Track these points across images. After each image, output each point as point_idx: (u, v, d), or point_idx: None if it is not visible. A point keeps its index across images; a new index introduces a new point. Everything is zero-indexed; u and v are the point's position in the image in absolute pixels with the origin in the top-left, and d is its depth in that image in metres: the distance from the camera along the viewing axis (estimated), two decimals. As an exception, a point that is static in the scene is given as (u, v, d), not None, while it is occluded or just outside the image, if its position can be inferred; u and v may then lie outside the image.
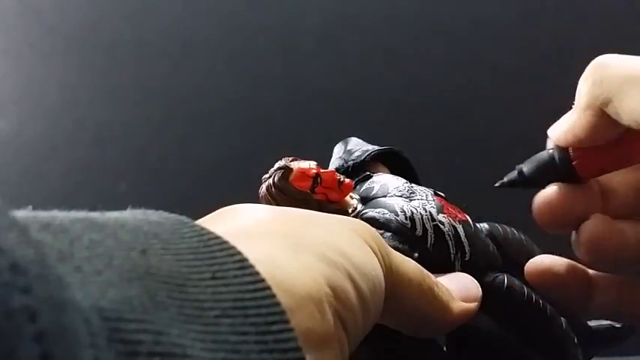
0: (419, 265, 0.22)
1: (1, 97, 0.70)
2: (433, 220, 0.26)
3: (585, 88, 0.24)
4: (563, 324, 0.27)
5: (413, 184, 0.28)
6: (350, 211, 0.27)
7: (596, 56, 0.24)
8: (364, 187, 0.28)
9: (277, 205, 0.25)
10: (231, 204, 0.20)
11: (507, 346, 0.26)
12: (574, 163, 0.25)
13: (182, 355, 0.12)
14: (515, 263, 0.28)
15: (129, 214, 0.17)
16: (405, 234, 0.25)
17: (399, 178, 0.28)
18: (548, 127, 0.26)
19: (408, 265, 0.22)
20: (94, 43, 0.70)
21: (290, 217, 0.20)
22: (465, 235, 0.26)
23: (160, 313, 0.13)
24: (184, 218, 0.17)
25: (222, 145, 0.69)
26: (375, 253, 0.20)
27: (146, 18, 0.70)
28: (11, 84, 0.70)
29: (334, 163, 0.30)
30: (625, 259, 0.25)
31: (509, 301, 0.26)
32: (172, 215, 0.17)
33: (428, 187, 0.28)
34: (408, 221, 0.26)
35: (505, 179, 0.27)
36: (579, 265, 0.26)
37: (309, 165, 0.26)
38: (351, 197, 0.27)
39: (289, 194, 0.25)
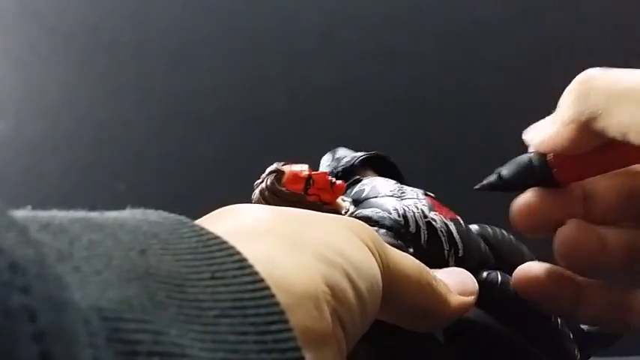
0: (416, 260, 0.23)
1: (1, 97, 0.70)
2: (425, 217, 0.27)
3: (569, 102, 0.23)
4: (558, 321, 0.27)
5: (403, 185, 0.29)
6: (343, 212, 0.27)
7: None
8: (355, 190, 0.29)
9: None
10: (230, 204, 0.20)
11: (504, 340, 0.26)
12: (553, 170, 0.25)
13: (181, 355, 0.12)
14: (506, 263, 0.28)
15: (128, 214, 0.17)
16: (399, 231, 0.26)
17: (389, 179, 0.29)
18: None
19: (406, 261, 0.22)
20: (94, 43, 0.70)
21: (288, 216, 0.20)
22: (457, 232, 0.27)
23: (159, 313, 0.13)
24: (183, 218, 0.17)
25: (222, 145, 0.69)
26: (372, 252, 0.20)
27: (146, 18, 0.70)
28: (11, 84, 0.70)
29: (324, 170, 0.30)
30: (606, 265, 0.24)
31: (503, 297, 0.26)
32: (172, 215, 0.17)
33: (418, 188, 0.29)
34: (401, 218, 0.26)
35: (485, 182, 0.26)
36: (567, 272, 0.26)
37: (301, 168, 0.26)
38: (343, 200, 0.28)
39: (282, 197, 0.26)
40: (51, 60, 0.70)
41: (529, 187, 0.26)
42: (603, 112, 0.22)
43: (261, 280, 0.15)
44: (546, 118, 0.25)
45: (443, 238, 0.26)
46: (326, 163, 0.31)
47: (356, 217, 0.27)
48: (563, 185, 0.25)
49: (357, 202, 0.28)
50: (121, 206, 0.17)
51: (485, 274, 0.27)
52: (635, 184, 0.25)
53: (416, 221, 0.26)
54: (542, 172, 0.25)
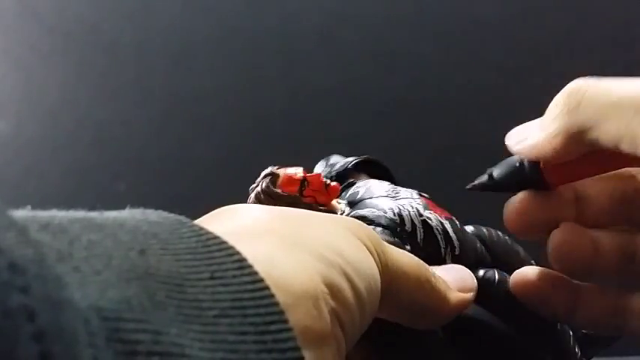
0: (415, 257, 0.23)
1: (1, 97, 0.70)
2: (420, 215, 0.27)
3: (558, 112, 0.23)
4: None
5: (397, 186, 0.29)
6: (338, 214, 0.27)
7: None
8: (350, 193, 0.29)
9: None
10: (230, 204, 0.20)
11: (504, 336, 0.26)
12: (543, 172, 0.25)
13: (180, 355, 0.13)
14: (502, 263, 0.28)
15: (128, 214, 0.17)
16: (395, 229, 0.26)
17: (383, 181, 0.29)
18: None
19: (404, 258, 0.22)
20: (94, 43, 0.70)
21: (287, 216, 0.20)
22: (453, 231, 0.27)
23: (158, 313, 0.13)
24: (183, 218, 0.17)
25: (222, 145, 0.69)
26: (370, 252, 0.20)
27: (146, 18, 0.70)
28: (11, 84, 0.70)
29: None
30: (599, 269, 0.24)
31: (501, 295, 0.26)
32: (171, 215, 0.17)
33: (414, 189, 0.29)
34: (397, 217, 0.26)
35: (476, 182, 0.26)
36: (564, 277, 0.26)
37: (295, 170, 0.27)
38: (338, 202, 0.28)
39: (278, 199, 0.26)
40: (51, 60, 0.70)
41: (520, 189, 0.26)
42: (595, 124, 0.22)
43: (261, 280, 0.15)
44: (531, 122, 0.25)
45: (439, 236, 0.27)
46: (319, 170, 0.32)
47: (352, 217, 0.27)
48: (554, 187, 0.25)
49: (352, 204, 0.28)
50: (121, 206, 0.17)
51: (482, 272, 0.27)
52: (628, 188, 0.25)
53: (411, 220, 0.27)
54: (533, 175, 0.25)
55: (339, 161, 0.31)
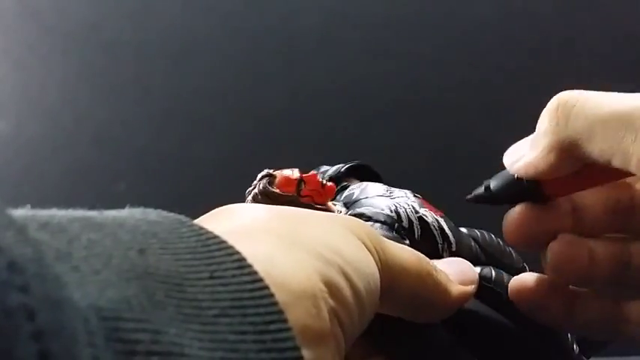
0: (415, 252, 0.23)
1: (1, 97, 0.70)
2: (417, 212, 0.27)
3: (548, 127, 0.23)
4: None
5: (391, 187, 0.29)
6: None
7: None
8: (345, 195, 0.29)
9: None
10: (230, 204, 0.20)
11: (505, 330, 0.26)
12: (541, 186, 0.24)
13: (180, 354, 0.12)
14: (497, 262, 0.29)
15: (127, 214, 0.17)
16: (393, 225, 0.26)
17: (377, 183, 0.30)
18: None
19: (404, 253, 0.22)
20: (94, 43, 0.70)
21: (285, 215, 0.20)
22: (448, 228, 0.28)
23: (158, 313, 0.13)
24: (183, 218, 0.17)
25: (222, 145, 0.69)
26: (369, 250, 0.20)
27: (146, 18, 0.70)
28: (11, 84, 0.70)
29: None
30: (594, 277, 0.24)
31: (499, 292, 0.26)
32: (171, 214, 0.17)
33: (414, 189, 0.30)
34: (394, 214, 0.27)
35: (473, 194, 0.26)
36: (559, 283, 0.26)
37: (291, 171, 0.27)
38: (334, 204, 0.28)
39: (276, 200, 0.26)
40: (50, 60, 0.70)
41: (518, 201, 0.26)
42: (585, 138, 0.21)
43: (260, 280, 0.15)
44: (524, 140, 0.25)
45: (436, 232, 0.27)
46: None
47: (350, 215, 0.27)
48: (552, 199, 0.25)
49: (349, 205, 0.28)
50: (120, 206, 0.17)
51: (478, 269, 0.27)
52: (621, 197, 0.25)
53: (408, 217, 0.27)
54: (530, 187, 0.25)
55: (330, 167, 0.32)
